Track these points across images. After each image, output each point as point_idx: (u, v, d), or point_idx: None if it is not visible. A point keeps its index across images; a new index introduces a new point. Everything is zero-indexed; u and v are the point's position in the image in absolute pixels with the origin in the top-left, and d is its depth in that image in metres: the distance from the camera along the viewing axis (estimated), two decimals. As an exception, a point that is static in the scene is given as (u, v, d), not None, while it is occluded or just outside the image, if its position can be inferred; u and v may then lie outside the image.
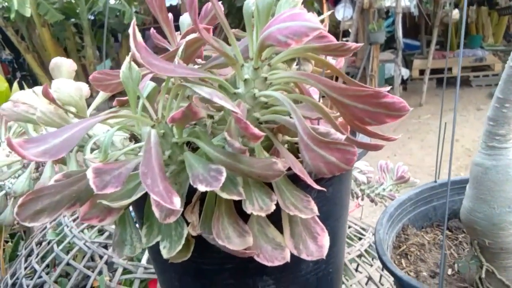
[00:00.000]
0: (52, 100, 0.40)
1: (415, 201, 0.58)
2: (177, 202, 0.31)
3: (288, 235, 0.40)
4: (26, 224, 0.34)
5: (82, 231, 1.07)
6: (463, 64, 5.28)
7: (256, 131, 0.31)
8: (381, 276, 1.00)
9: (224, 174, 0.34)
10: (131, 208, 0.47)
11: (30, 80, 5.85)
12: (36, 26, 5.35)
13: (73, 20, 5.65)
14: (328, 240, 0.41)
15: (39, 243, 1.12)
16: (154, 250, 0.48)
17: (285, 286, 0.47)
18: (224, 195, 0.35)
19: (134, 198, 0.39)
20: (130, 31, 0.34)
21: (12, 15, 4.67)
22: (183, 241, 0.39)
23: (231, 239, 0.37)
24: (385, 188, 0.89)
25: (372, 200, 0.91)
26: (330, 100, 0.34)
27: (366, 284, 0.98)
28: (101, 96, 0.57)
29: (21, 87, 1.96)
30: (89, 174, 0.32)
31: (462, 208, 0.47)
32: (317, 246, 0.40)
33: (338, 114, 0.39)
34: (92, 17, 5.70)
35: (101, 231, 1.08)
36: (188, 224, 0.40)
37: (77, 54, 5.73)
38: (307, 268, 0.48)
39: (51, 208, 0.36)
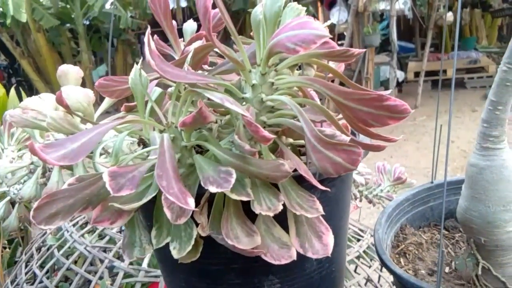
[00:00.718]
0: (65, 107, 0.42)
1: (412, 201, 0.59)
2: (191, 203, 0.32)
3: (294, 234, 0.42)
4: (42, 227, 0.35)
5: (82, 235, 1.07)
6: (457, 66, 5.33)
7: (266, 133, 0.33)
8: (379, 277, 1.01)
9: (234, 176, 0.35)
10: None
11: (26, 86, 5.84)
12: (31, 31, 5.35)
13: (68, 25, 5.65)
14: (332, 238, 0.42)
15: (38, 249, 1.12)
16: (162, 252, 0.49)
17: (290, 285, 0.49)
18: (234, 196, 0.37)
19: (144, 200, 0.40)
20: (145, 39, 0.35)
21: (8, 21, 4.66)
22: (192, 242, 0.40)
23: (239, 239, 0.39)
24: (382, 189, 0.91)
25: (370, 201, 0.92)
26: (335, 103, 0.35)
27: (365, 285, 0.99)
28: (107, 102, 0.59)
29: (18, 93, 1.97)
30: (105, 177, 0.33)
31: (458, 208, 0.49)
32: (322, 245, 0.42)
33: (340, 116, 0.41)
34: (87, 22, 5.70)
35: (101, 236, 1.09)
36: (197, 225, 0.41)
37: (73, 59, 5.73)
38: (311, 267, 0.49)
39: (65, 211, 0.38)
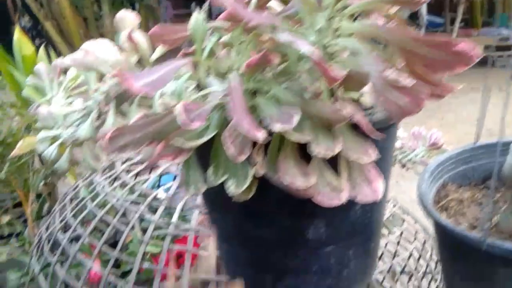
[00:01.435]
0: (135, 44, 0.43)
1: (455, 160, 0.60)
2: (261, 134, 0.34)
3: (346, 178, 0.43)
4: (115, 154, 0.38)
5: (114, 189, 1.11)
6: (486, 43, 5.17)
7: (335, 73, 0.34)
8: (398, 243, 1.04)
9: (298, 115, 0.37)
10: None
11: (49, 47, 5.88)
12: (55, -7, 5.34)
13: (92, -12, 5.62)
14: (382, 185, 0.44)
15: (71, 200, 1.17)
16: (214, 192, 0.52)
17: (333, 231, 0.51)
18: (295, 136, 0.38)
19: (205, 138, 0.42)
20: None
21: (34, -19, 4.67)
22: (249, 179, 0.42)
23: (296, 178, 0.41)
24: (417, 154, 0.92)
25: (403, 166, 0.93)
26: (401, 50, 0.36)
27: (382, 255, 1.02)
28: (159, 50, 0.60)
29: (47, 53, 2.01)
30: (179, 109, 0.35)
31: (506, 164, 0.50)
32: (371, 190, 0.43)
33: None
34: (111, -15, 5.66)
35: (132, 191, 1.13)
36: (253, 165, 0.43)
37: (96, 23, 5.73)
38: (355, 214, 0.51)
39: (134, 143, 0.40)
